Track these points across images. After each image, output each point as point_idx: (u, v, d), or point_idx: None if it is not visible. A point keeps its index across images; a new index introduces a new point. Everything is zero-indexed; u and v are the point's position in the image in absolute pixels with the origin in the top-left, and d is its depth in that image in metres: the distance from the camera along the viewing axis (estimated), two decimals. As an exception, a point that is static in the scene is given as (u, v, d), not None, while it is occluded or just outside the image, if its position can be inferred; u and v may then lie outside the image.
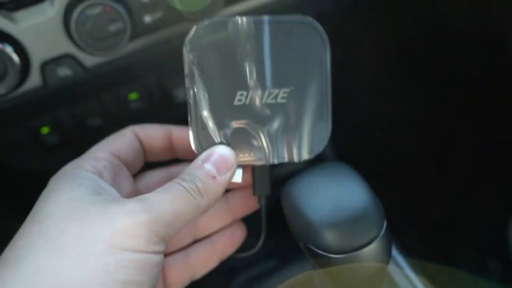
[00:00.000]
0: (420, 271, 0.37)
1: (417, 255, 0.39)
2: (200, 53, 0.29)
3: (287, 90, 0.29)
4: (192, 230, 0.34)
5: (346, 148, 0.55)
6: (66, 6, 0.32)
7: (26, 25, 0.31)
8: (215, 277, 0.42)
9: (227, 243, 0.34)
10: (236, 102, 0.29)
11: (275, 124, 0.30)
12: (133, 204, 0.24)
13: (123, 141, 0.31)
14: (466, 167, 0.54)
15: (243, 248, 0.36)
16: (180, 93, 0.44)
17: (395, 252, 0.37)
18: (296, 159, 0.30)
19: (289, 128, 0.30)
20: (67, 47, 0.33)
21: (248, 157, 0.30)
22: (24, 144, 0.40)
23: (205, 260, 0.34)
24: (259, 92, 0.29)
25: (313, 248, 0.26)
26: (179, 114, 0.41)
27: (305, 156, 0.30)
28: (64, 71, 0.34)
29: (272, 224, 0.36)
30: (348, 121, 0.56)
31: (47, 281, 0.21)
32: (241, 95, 0.29)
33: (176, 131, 0.33)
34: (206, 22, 0.29)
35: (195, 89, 0.29)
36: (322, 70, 0.29)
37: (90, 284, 0.21)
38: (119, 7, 0.32)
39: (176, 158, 0.35)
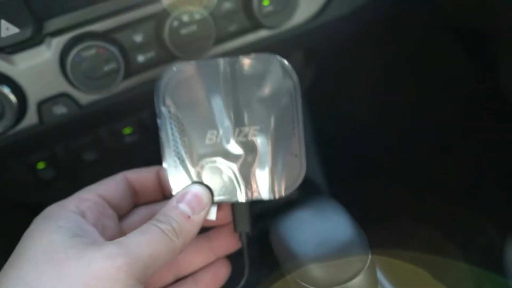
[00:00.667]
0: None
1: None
2: (170, 95, 0.31)
3: (257, 127, 0.30)
4: (174, 269, 0.34)
5: (336, 169, 0.56)
6: (63, 48, 0.33)
7: (23, 67, 0.33)
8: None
9: (211, 280, 0.34)
10: (207, 141, 0.30)
11: (248, 161, 0.30)
12: (110, 248, 0.25)
13: (111, 184, 0.32)
14: (461, 194, 0.55)
15: (230, 284, 0.36)
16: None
17: (384, 280, 0.38)
18: (270, 197, 0.30)
19: (262, 165, 0.30)
20: (63, 87, 0.34)
21: (223, 195, 0.31)
22: (20, 179, 0.41)
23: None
24: (229, 130, 0.30)
25: (300, 282, 0.27)
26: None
27: (280, 193, 0.30)
28: (60, 109, 0.35)
29: (264, 256, 0.36)
30: (340, 145, 0.57)
31: None
32: (212, 134, 0.30)
33: (161, 171, 0.34)
34: (174, 68, 0.31)
35: (167, 130, 0.31)
36: (292, 106, 0.30)
37: None
38: (113, 49, 0.33)
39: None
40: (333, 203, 0.29)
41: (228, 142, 0.30)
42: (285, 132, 0.30)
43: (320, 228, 0.27)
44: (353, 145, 0.60)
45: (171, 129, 0.30)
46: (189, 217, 0.28)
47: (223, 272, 0.34)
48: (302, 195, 0.33)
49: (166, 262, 0.27)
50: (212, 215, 0.31)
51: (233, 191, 0.30)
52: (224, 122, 0.30)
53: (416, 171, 0.57)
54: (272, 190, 0.30)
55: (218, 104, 0.30)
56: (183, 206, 0.29)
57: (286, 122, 0.30)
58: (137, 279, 0.24)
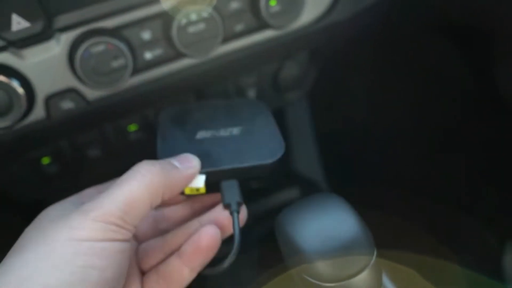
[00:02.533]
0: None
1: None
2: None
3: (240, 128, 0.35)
4: (165, 248, 0.33)
5: (336, 171, 0.56)
6: (72, 43, 0.34)
7: (33, 61, 0.33)
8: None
9: (193, 251, 0.30)
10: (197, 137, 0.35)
11: (235, 135, 0.34)
12: (86, 204, 0.26)
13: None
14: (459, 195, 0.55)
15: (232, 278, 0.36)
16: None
17: (385, 280, 0.38)
18: (259, 162, 0.32)
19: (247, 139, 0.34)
20: (71, 82, 0.35)
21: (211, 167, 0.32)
22: (24, 174, 0.41)
23: (176, 273, 0.31)
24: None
25: (305, 276, 0.27)
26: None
27: (269, 159, 0.32)
28: (67, 104, 0.35)
29: (266, 257, 0.36)
30: (339, 146, 0.57)
31: (9, 277, 0.24)
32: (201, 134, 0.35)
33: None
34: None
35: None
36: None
37: (48, 271, 0.23)
38: (121, 45, 0.34)
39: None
40: (339, 199, 0.29)
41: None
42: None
43: (326, 224, 0.27)
44: (352, 147, 0.61)
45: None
46: (176, 167, 0.29)
47: (205, 240, 0.30)
48: (304, 195, 0.33)
49: (150, 205, 0.27)
50: (201, 182, 0.31)
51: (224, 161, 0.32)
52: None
53: (415, 173, 0.57)
54: (259, 155, 0.33)
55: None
56: (171, 160, 0.30)
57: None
58: (118, 225, 0.26)
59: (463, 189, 0.55)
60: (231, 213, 0.31)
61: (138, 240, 0.34)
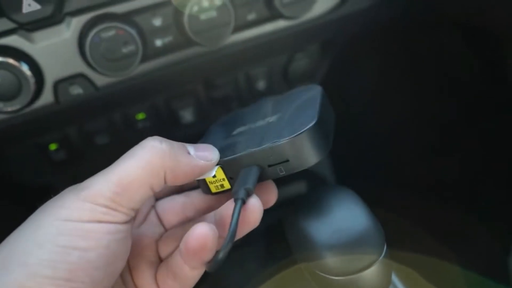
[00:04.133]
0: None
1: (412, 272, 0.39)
2: None
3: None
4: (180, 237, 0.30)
5: (346, 166, 0.55)
6: (82, 28, 0.33)
7: (42, 45, 0.33)
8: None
9: (185, 252, 0.27)
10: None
11: (271, 122, 0.31)
12: (81, 184, 0.26)
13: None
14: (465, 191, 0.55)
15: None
16: (186, 114, 0.45)
17: (394, 278, 0.37)
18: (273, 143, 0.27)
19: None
20: (80, 67, 0.34)
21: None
22: (32, 159, 0.41)
23: (178, 270, 0.28)
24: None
25: (314, 269, 0.27)
26: (184, 134, 0.42)
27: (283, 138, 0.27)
28: (76, 90, 0.35)
29: (272, 250, 0.36)
30: (348, 138, 0.57)
31: (2, 252, 0.24)
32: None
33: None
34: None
35: None
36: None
37: (29, 249, 0.23)
38: (132, 31, 0.33)
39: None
40: (349, 192, 0.29)
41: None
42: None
43: (336, 217, 0.27)
44: (357, 145, 0.60)
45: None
46: (188, 152, 0.28)
47: (193, 241, 0.26)
48: (310, 188, 0.32)
49: (149, 186, 0.26)
50: (211, 173, 0.29)
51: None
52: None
53: (420, 172, 0.56)
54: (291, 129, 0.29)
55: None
56: (187, 144, 0.29)
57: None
58: (108, 207, 0.25)
59: (467, 190, 0.54)
60: (235, 200, 0.27)
61: (164, 226, 0.32)
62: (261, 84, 0.48)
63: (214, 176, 0.30)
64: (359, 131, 0.61)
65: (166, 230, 0.32)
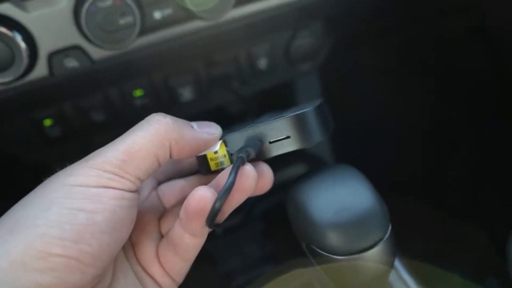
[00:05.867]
0: (419, 277, 0.36)
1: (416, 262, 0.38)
2: None
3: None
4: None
5: (347, 152, 0.55)
6: (78, -3, 0.32)
7: (36, 14, 0.31)
8: (212, 280, 0.42)
9: (185, 216, 0.27)
10: None
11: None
12: (90, 154, 0.26)
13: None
14: (468, 176, 0.54)
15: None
16: (185, 92, 0.44)
17: (397, 263, 0.37)
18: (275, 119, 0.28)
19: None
20: (75, 39, 0.33)
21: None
22: (26, 135, 0.40)
23: (178, 239, 0.28)
24: None
25: (316, 249, 0.26)
26: (182, 113, 0.41)
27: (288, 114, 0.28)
28: (71, 63, 0.34)
29: (270, 232, 0.35)
30: (350, 125, 0.56)
31: (3, 220, 0.24)
32: None
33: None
34: None
35: None
36: None
37: (37, 213, 0.24)
38: (129, 1, 0.32)
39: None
40: (353, 169, 0.28)
41: None
42: None
43: (339, 195, 0.26)
44: (356, 145, 0.59)
45: None
46: (192, 127, 0.28)
47: (193, 204, 0.26)
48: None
49: (156, 156, 0.26)
50: (215, 147, 0.30)
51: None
52: None
53: (420, 172, 0.56)
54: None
55: None
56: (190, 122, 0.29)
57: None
58: (115, 174, 0.25)
59: (469, 192, 0.53)
60: (236, 158, 0.26)
61: (164, 207, 0.33)
62: (262, 63, 0.46)
63: (216, 152, 0.29)
64: (358, 128, 0.60)
65: (166, 210, 0.33)
